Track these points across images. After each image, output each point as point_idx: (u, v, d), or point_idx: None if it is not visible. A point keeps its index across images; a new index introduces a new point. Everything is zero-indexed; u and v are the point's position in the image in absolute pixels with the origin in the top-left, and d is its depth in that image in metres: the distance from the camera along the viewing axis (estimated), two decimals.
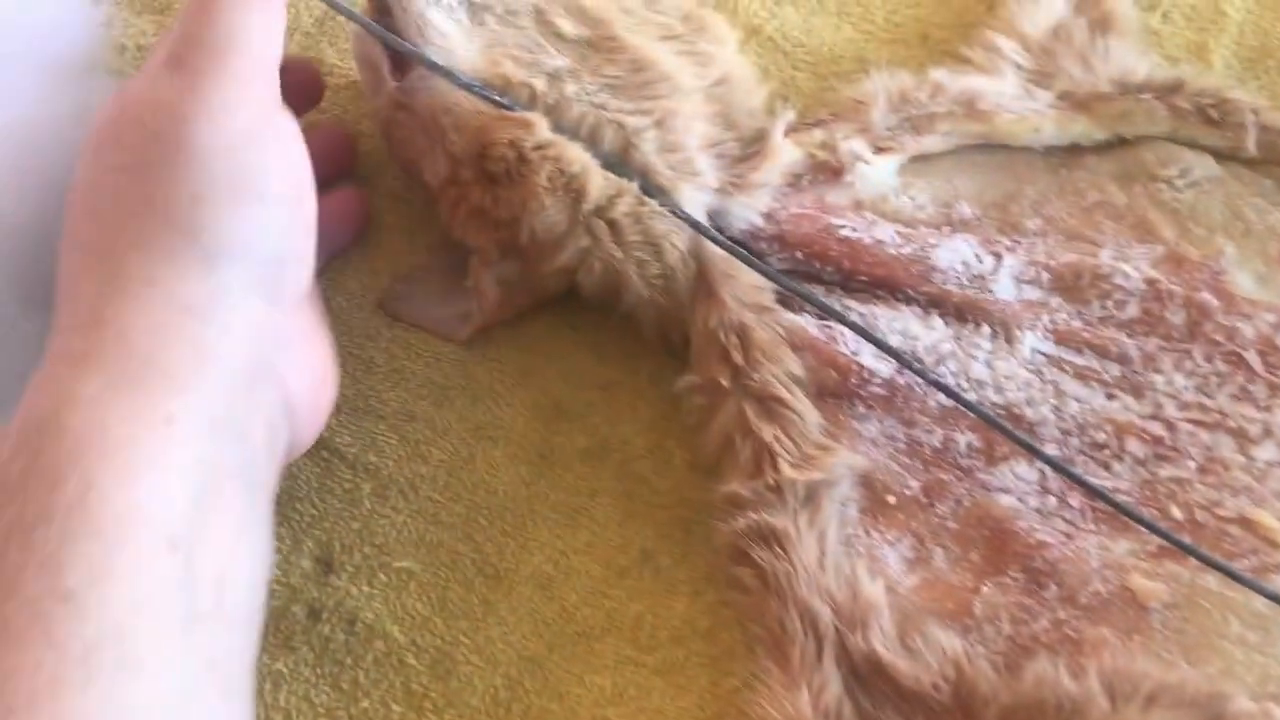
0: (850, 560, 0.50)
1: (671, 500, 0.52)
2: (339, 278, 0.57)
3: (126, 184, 0.41)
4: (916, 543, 0.52)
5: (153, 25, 0.63)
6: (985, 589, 0.50)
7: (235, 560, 0.38)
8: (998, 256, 0.57)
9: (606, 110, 0.52)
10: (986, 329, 0.55)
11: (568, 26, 0.53)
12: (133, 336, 0.39)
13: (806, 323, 0.55)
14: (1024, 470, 0.53)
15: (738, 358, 0.51)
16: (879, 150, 0.59)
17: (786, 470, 0.49)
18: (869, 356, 0.54)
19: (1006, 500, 0.52)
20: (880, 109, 0.59)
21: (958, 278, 0.56)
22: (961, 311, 0.56)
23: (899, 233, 0.57)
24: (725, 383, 0.51)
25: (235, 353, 0.41)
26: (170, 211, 0.40)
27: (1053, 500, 0.52)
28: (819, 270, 0.56)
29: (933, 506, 0.52)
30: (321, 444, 0.52)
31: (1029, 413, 0.54)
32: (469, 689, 0.49)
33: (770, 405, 0.51)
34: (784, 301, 0.55)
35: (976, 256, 0.57)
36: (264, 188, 0.42)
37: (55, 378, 0.38)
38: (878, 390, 0.54)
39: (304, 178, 0.44)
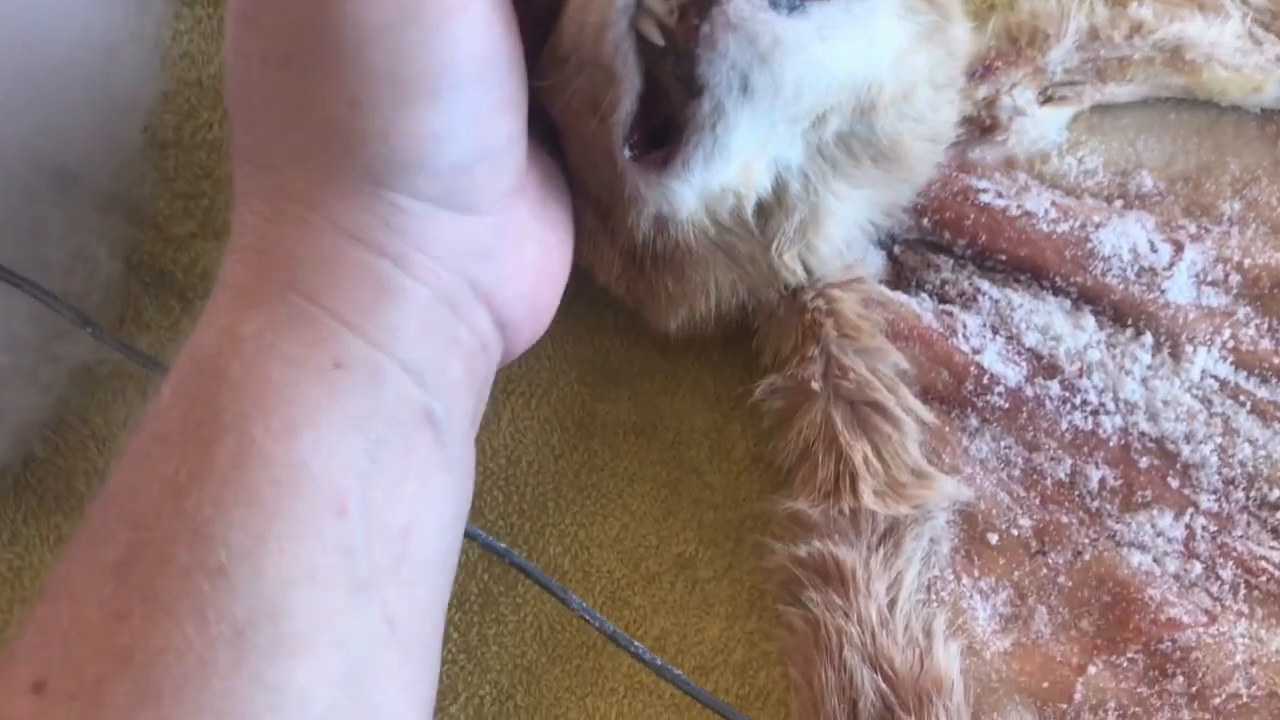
0: (928, 611, 0.40)
1: (724, 499, 0.44)
2: None
3: (274, 83, 0.34)
4: (1016, 597, 0.42)
5: None
6: (1093, 669, 0.41)
7: (423, 507, 0.34)
8: (1177, 247, 0.45)
9: None
10: (1149, 338, 0.44)
11: None
12: (298, 268, 0.34)
13: (920, 306, 0.44)
14: (1168, 524, 0.42)
15: (831, 335, 0.41)
16: (1048, 100, 0.47)
17: (867, 498, 0.40)
18: (993, 357, 0.43)
19: (1138, 559, 0.42)
20: (1064, 45, 0.46)
21: (1122, 269, 0.45)
22: (1121, 312, 0.45)
23: (1055, 204, 0.46)
24: (816, 385, 0.41)
25: (418, 285, 0.35)
26: (325, 122, 0.34)
27: (1198, 568, 0.42)
28: (949, 241, 0.45)
29: (1044, 554, 0.42)
30: None
31: (1186, 451, 0.43)
32: (450, 694, 0.42)
33: (864, 413, 0.41)
34: (894, 278, 0.44)
35: (1150, 244, 0.45)
36: (439, 76, 0.33)
37: (219, 310, 0.34)
38: (998, 401, 0.43)
39: (496, 48, 0.34)
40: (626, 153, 0.37)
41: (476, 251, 0.36)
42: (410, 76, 0.33)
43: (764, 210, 0.39)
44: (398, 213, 0.34)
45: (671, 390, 0.45)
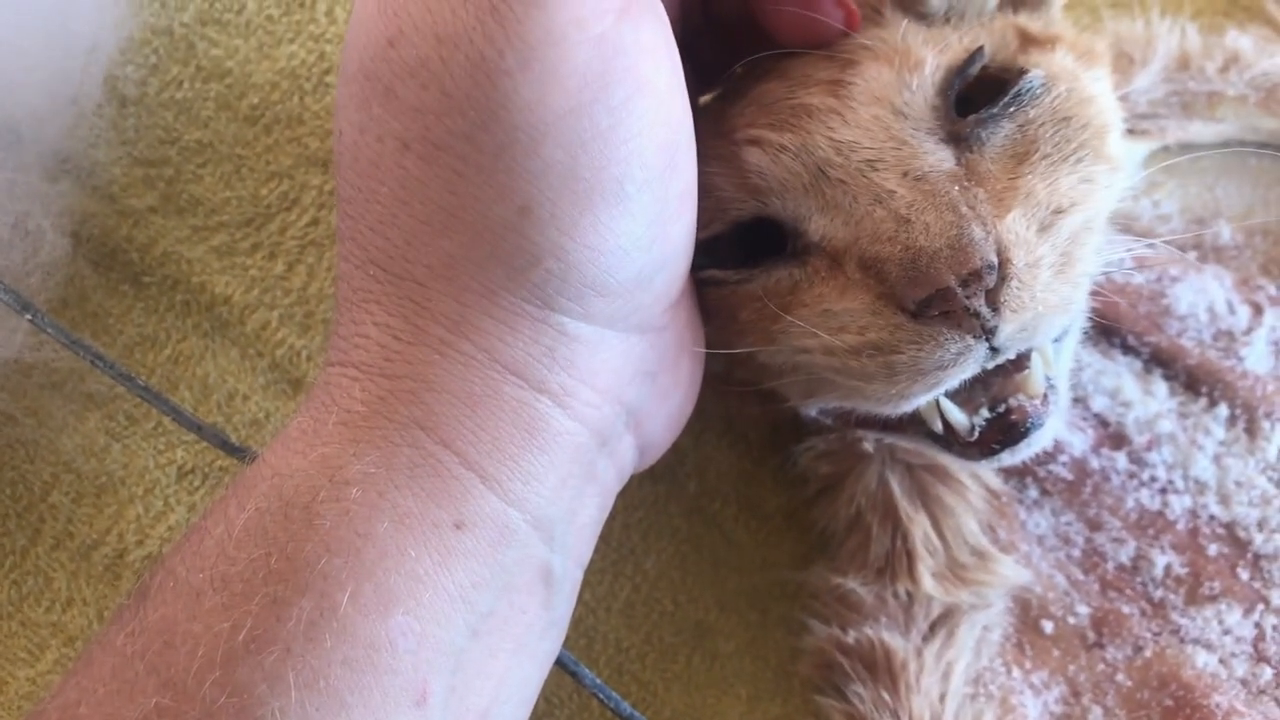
0: (976, 707, 0.36)
1: (750, 562, 0.40)
2: None
3: (416, 176, 0.27)
4: (1070, 694, 0.38)
5: None
6: None
7: (511, 681, 0.29)
8: (1256, 309, 0.41)
9: None
10: (1224, 409, 0.40)
11: None
12: (436, 404, 0.27)
13: None
14: (1236, 620, 0.38)
15: None
16: (1129, 131, 0.42)
17: (926, 582, 0.35)
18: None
19: (1204, 659, 0.38)
20: (1150, 72, 0.41)
21: (1198, 330, 0.41)
22: (1195, 379, 0.41)
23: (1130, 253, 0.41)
24: (868, 446, 0.35)
25: (575, 424, 0.29)
26: (485, 231, 0.27)
27: (1268, 673, 0.38)
28: None
29: (1101, 648, 0.38)
30: None
31: (1258, 540, 0.39)
32: None
33: (926, 482, 0.36)
34: None
35: (1229, 305, 0.41)
36: (625, 172, 0.27)
37: (320, 434, 0.28)
38: (1062, 471, 0.39)
39: (679, 128, 0.28)
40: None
41: (639, 375, 0.30)
42: (593, 174, 0.26)
43: None
44: (566, 341, 0.28)
45: (700, 436, 0.40)
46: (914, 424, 0.33)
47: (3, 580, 0.37)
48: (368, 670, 0.25)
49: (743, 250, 0.32)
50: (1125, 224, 0.43)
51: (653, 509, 0.39)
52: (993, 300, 0.29)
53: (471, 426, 0.27)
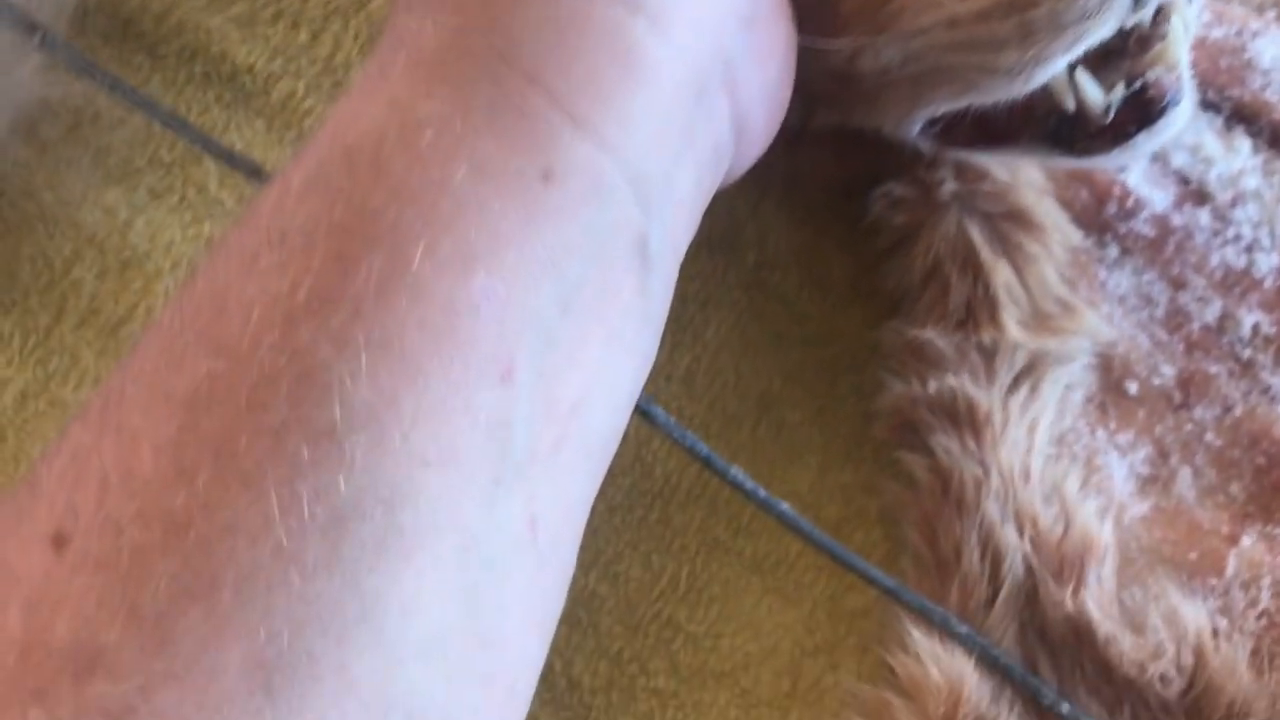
0: (1059, 468, 0.34)
1: (818, 332, 0.38)
2: None
3: None
4: (1157, 455, 0.36)
5: None
6: (1246, 540, 0.35)
7: (605, 375, 0.26)
8: None
9: None
10: None
11: None
12: (518, 30, 0.24)
13: None
14: None
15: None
16: None
17: (1012, 329, 0.33)
18: (1139, 177, 0.37)
19: None
20: None
21: None
22: None
23: (1208, 6, 0.39)
24: (948, 187, 0.33)
25: (671, 57, 0.26)
26: None
27: None
28: None
29: (1188, 408, 0.36)
30: None
31: None
32: None
33: (1007, 230, 0.34)
34: None
35: None
36: None
37: (388, 77, 0.25)
38: (1143, 229, 0.37)
39: None
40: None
41: (737, 19, 0.27)
42: None
43: None
44: None
45: (753, 198, 0.38)
46: (1031, 127, 0.31)
47: (28, 359, 0.35)
48: (447, 336, 0.22)
49: None
50: None
51: (709, 280, 0.37)
52: None
53: (560, 56, 0.24)
